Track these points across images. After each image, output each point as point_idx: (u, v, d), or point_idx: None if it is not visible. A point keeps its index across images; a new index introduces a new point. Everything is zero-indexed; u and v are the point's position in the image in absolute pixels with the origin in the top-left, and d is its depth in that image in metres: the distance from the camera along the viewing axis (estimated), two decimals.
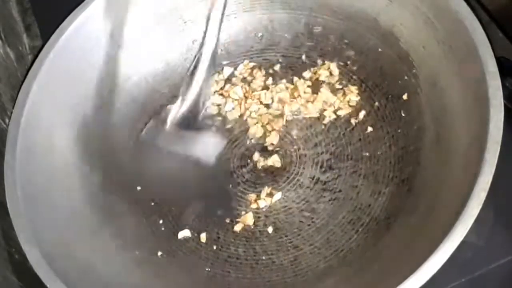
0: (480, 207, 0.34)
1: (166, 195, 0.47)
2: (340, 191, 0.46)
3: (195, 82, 0.42)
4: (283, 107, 0.50)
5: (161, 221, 0.47)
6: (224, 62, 0.54)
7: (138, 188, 0.49)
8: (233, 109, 0.51)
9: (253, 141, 0.50)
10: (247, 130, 0.50)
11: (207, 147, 0.44)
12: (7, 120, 0.49)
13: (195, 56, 0.41)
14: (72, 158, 0.47)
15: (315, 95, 0.50)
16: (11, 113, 0.46)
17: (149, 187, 0.49)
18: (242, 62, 0.53)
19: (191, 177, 0.46)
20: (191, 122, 0.44)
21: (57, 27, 0.49)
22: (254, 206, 0.46)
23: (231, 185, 0.48)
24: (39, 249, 0.39)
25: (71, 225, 0.44)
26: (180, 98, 0.44)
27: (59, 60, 0.48)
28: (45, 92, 0.47)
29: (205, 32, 0.42)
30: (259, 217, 0.46)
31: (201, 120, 0.44)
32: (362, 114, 0.48)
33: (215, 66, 0.42)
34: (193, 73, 0.42)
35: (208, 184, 0.48)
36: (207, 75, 0.42)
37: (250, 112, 0.51)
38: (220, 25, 0.41)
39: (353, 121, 0.48)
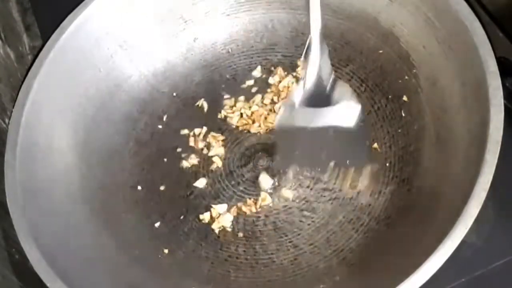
0: (480, 207, 0.34)
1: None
2: (340, 190, 0.46)
3: (312, 61, 0.43)
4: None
5: (161, 221, 0.47)
6: (225, 62, 0.54)
7: (138, 188, 0.49)
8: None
9: (254, 140, 0.50)
10: (248, 129, 0.50)
11: (345, 114, 0.44)
12: (7, 120, 0.49)
13: (307, 40, 0.43)
14: (72, 158, 0.47)
15: None
16: (11, 113, 0.46)
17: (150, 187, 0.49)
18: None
19: None
20: (320, 98, 0.45)
21: (57, 27, 0.49)
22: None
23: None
24: (39, 249, 0.39)
25: (71, 225, 0.44)
26: (303, 80, 0.44)
27: (59, 60, 0.48)
28: (45, 92, 0.47)
29: (308, 14, 0.43)
30: (259, 217, 0.46)
31: (328, 94, 0.45)
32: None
33: (325, 43, 0.44)
34: (307, 54, 0.43)
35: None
36: (322, 52, 0.43)
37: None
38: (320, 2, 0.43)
39: None
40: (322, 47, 0.43)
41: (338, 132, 0.44)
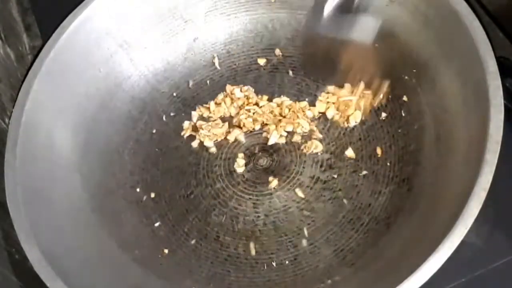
0: (480, 207, 0.34)
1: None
2: (340, 190, 0.46)
3: None
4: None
5: (161, 221, 0.47)
6: (225, 62, 0.54)
7: (138, 188, 0.49)
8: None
9: (254, 140, 0.50)
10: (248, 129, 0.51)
11: (365, 27, 0.45)
12: (7, 120, 0.49)
13: None
14: (72, 158, 0.47)
15: None
16: (11, 113, 0.46)
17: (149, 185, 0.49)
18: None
19: None
20: (347, 7, 0.45)
21: (57, 27, 0.49)
22: None
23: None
24: (39, 249, 0.39)
25: (71, 225, 0.44)
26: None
27: (59, 60, 0.48)
28: (45, 92, 0.47)
29: None
30: (258, 217, 0.46)
31: (356, 5, 0.45)
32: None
33: None
34: None
35: None
36: None
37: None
38: None
39: (353, 121, 0.48)
40: None
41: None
